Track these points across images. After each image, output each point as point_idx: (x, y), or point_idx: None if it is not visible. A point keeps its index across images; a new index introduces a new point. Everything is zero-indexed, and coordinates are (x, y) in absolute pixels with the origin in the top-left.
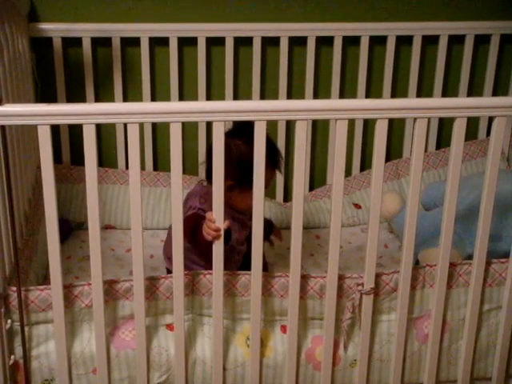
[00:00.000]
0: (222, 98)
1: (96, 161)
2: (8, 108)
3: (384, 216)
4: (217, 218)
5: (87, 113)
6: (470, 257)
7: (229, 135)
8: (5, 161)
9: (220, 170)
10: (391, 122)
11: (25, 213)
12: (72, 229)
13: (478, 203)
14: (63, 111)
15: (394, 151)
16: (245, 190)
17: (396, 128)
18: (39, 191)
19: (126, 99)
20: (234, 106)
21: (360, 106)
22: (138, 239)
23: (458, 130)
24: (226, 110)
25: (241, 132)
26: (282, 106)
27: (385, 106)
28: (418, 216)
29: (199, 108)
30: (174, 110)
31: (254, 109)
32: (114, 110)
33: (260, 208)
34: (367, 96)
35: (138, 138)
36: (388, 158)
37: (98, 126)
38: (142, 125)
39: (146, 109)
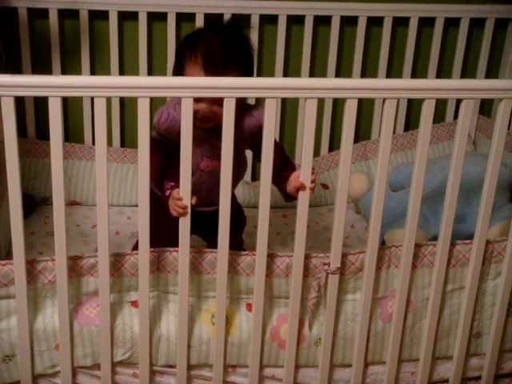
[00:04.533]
0: None
1: (62, 135)
2: None
3: (351, 196)
4: (184, 194)
5: (53, 85)
6: (435, 238)
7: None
8: None
9: (187, 144)
10: (360, 102)
11: None
12: (36, 204)
13: (445, 185)
14: (28, 83)
15: (362, 133)
16: None
17: (365, 109)
18: (2, 166)
19: (93, 73)
20: (202, 82)
21: (329, 85)
22: (103, 216)
23: (427, 112)
24: (195, 85)
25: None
26: (251, 84)
27: (354, 86)
28: (385, 197)
29: (168, 83)
30: (142, 84)
31: (225, 85)
32: (81, 82)
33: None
34: (362, 76)
35: (104, 113)
36: (356, 140)
37: (65, 100)
38: (109, 99)
39: (114, 82)
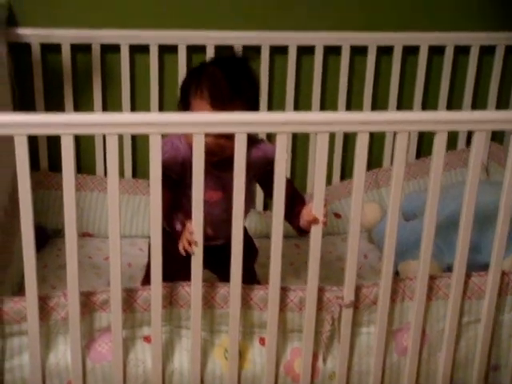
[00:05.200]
0: None
1: (74, 171)
2: None
3: (364, 226)
4: (196, 228)
5: (65, 123)
6: (449, 268)
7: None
8: None
9: (199, 180)
10: (372, 133)
11: (0, 222)
12: (49, 236)
13: (458, 214)
14: (41, 121)
15: (374, 160)
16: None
17: (376, 137)
18: (16, 199)
19: (105, 107)
20: (214, 118)
21: (340, 119)
22: (116, 249)
23: (439, 144)
24: (206, 121)
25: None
26: (263, 119)
27: (365, 120)
28: (398, 227)
29: (179, 120)
30: (153, 121)
31: (237, 121)
32: (93, 120)
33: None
34: (373, 106)
35: (116, 149)
36: (368, 167)
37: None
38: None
39: (125, 120)
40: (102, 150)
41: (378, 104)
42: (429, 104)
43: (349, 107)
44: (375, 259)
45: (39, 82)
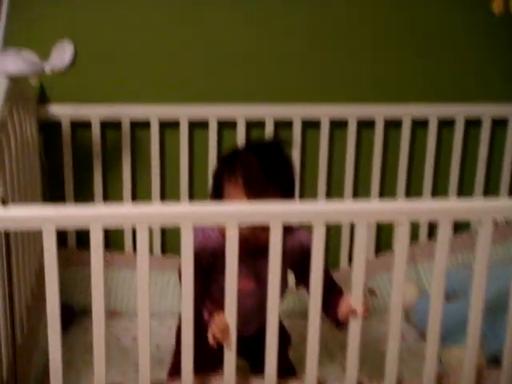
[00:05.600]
0: None
1: (103, 260)
2: (12, 212)
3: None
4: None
5: (95, 216)
6: (494, 356)
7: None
8: (6, 255)
9: (233, 272)
10: None
11: (27, 304)
12: (76, 315)
13: (503, 295)
14: (70, 214)
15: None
16: None
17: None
18: (43, 280)
19: (134, 184)
20: (248, 209)
21: (380, 209)
22: (145, 343)
23: (484, 232)
24: (240, 212)
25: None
26: (299, 209)
27: (407, 210)
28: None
29: (212, 211)
30: (185, 213)
31: (272, 211)
32: (123, 213)
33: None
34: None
35: (147, 240)
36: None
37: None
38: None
39: (156, 212)
40: (131, 228)
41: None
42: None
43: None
44: (413, 341)
45: (69, 158)
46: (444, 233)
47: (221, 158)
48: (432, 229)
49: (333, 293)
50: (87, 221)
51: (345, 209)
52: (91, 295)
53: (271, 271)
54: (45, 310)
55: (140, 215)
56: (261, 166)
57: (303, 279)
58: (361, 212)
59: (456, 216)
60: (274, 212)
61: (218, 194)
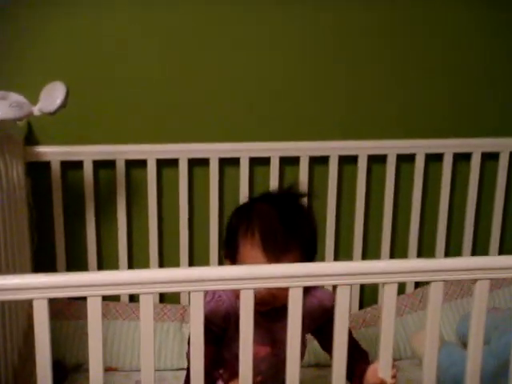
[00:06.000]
0: None
1: (101, 334)
2: None
3: (421, 357)
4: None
5: (91, 284)
6: None
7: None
8: None
9: (248, 340)
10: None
11: (13, 367)
12: (68, 372)
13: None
14: (63, 284)
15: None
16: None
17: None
18: (31, 340)
19: (130, 229)
20: (265, 272)
21: (411, 268)
22: None
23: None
24: (256, 276)
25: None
26: (321, 271)
27: (439, 267)
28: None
29: (224, 275)
30: (195, 277)
31: (292, 274)
32: (123, 279)
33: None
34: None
35: (151, 307)
36: (417, 283)
37: (100, 249)
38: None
39: (161, 277)
40: (127, 267)
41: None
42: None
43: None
44: None
45: (58, 201)
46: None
47: (235, 210)
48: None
49: (358, 358)
50: (83, 289)
51: (378, 268)
52: (85, 351)
53: (290, 342)
54: (34, 371)
55: (143, 281)
56: (280, 220)
57: (326, 344)
58: (397, 271)
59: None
60: (294, 274)
61: (231, 250)
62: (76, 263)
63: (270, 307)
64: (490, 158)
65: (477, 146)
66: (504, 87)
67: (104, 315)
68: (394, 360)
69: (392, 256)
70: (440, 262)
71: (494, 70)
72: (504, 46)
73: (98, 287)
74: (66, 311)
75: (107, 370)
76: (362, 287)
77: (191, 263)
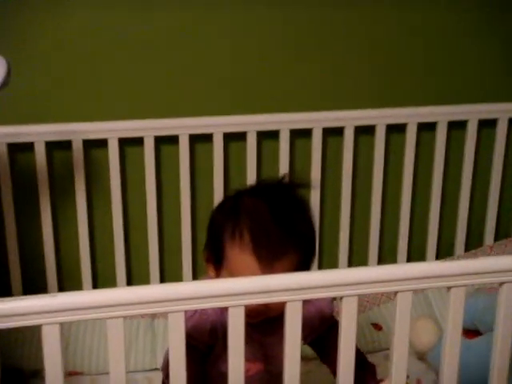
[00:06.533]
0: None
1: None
2: None
3: (417, 349)
4: None
5: (48, 311)
6: None
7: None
8: None
9: (238, 362)
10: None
11: None
12: (25, 378)
13: None
14: (16, 311)
15: (415, 253)
16: (226, 274)
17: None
18: None
19: (91, 219)
20: (258, 286)
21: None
22: None
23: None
24: (248, 291)
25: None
26: (324, 281)
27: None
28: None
29: (211, 291)
30: (174, 296)
31: (290, 287)
32: (86, 303)
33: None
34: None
35: (122, 332)
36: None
37: (58, 246)
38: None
39: (132, 298)
40: (90, 268)
41: None
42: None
43: None
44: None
45: (7, 191)
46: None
47: (219, 207)
48: (440, 248)
49: (364, 372)
50: (35, 318)
51: (387, 275)
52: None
53: (288, 362)
54: None
55: (111, 303)
56: (274, 217)
57: (326, 356)
58: (407, 279)
59: None
60: (293, 287)
61: (215, 252)
62: (31, 263)
63: (263, 318)
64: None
65: (472, 112)
66: (501, 50)
67: None
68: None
69: (381, 237)
70: (461, 266)
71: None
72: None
73: (54, 313)
74: None
75: (71, 374)
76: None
77: (162, 263)
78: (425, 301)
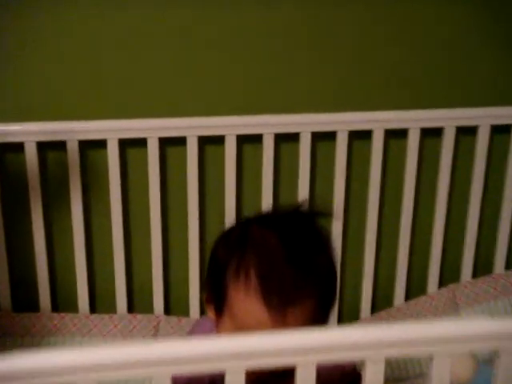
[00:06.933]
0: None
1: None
2: None
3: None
4: None
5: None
6: None
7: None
8: None
9: None
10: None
11: None
12: None
13: None
14: None
15: (448, 270)
16: (229, 320)
17: (451, 241)
18: None
19: (88, 226)
20: (265, 345)
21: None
22: None
23: None
24: (251, 352)
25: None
26: (348, 341)
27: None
28: None
29: (203, 352)
30: (158, 360)
31: (307, 347)
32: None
33: None
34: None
35: None
36: (441, 281)
37: (52, 258)
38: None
39: (127, 358)
40: (86, 281)
41: None
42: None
43: None
44: None
45: None
46: None
47: (223, 237)
48: (476, 266)
49: None
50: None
51: (428, 335)
52: None
53: None
54: None
55: (91, 368)
56: (288, 255)
57: None
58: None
59: None
60: (313, 347)
61: (217, 292)
62: (21, 276)
63: (268, 373)
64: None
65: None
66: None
67: (59, 330)
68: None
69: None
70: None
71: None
72: None
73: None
74: (9, 326)
75: None
76: (375, 283)
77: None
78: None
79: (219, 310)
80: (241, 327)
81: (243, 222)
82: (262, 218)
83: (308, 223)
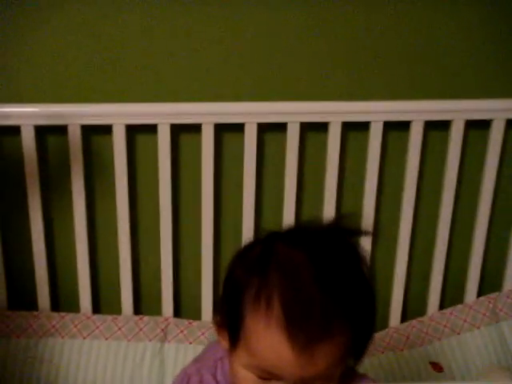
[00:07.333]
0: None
1: None
2: None
3: None
4: None
5: None
6: None
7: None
8: None
9: None
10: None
11: None
12: None
13: None
14: None
15: (489, 280)
16: (245, 354)
17: (494, 247)
18: None
19: (92, 216)
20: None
21: None
22: None
23: None
24: None
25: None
26: None
27: None
28: None
29: None
30: None
31: None
32: None
33: None
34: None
35: None
36: (481, 291)
37: (52, 259)
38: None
39: None
40: (89, 277)
41: None
42: None
43: None
44: None
45: None
46: None
47: (241, 255)
48: None
49: None
50: None
51: None
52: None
53: None
54: None
55: None
56: (318, 281)
57: None
58: None
59: None
60: None
61: (232, 318)
62: (18, 272)
63: None
64: None
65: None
66: None
67: (57, 331)
68: None
69: None
70: None
71: None
72: None
73: None
74: (4, 326)
75: None
76: (407, 290)
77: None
78: (499, 337)
79: (234, 340)
80: (258, 364)
81: (266, 238)
82: (288, 234)
83: (343, 242)
